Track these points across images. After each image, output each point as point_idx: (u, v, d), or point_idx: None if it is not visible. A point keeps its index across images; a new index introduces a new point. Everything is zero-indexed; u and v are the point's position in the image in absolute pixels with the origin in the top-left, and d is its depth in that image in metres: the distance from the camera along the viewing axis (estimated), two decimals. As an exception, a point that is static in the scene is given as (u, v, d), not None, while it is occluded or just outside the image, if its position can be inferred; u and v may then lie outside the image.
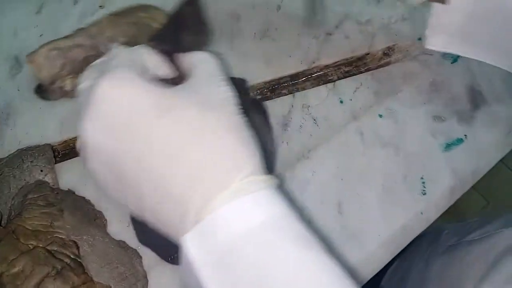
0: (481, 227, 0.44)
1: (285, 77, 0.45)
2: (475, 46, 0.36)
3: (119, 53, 0.26)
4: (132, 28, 0.41)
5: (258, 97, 0.44)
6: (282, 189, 0.25)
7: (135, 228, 0.35)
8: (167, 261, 0.34)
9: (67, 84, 0.41)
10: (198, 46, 0.28)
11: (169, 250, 0.34)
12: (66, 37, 0.41)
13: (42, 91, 0.42)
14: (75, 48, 0.40)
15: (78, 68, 0.41)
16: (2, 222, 0.35)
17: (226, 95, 0.25)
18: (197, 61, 0.27)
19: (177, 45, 0.28)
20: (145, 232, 0.34)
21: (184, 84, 0.25)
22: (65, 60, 0.39)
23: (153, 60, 0.27)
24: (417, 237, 0.39)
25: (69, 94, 0.42)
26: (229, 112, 0.24)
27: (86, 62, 0.41)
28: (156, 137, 0.22)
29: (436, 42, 0.37)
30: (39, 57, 0.39)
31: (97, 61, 0.28)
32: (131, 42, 0.41)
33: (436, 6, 0.34)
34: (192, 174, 0.22)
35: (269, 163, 0.37)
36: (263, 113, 0.40)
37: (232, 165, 0.22)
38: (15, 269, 0.29)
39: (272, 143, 0.39)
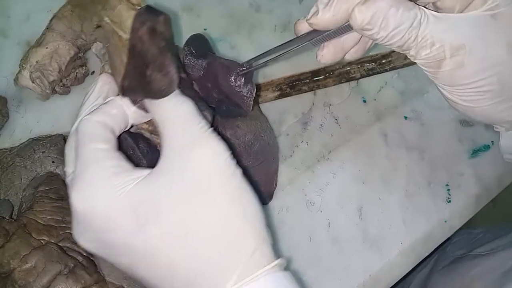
0: (488, 241, 0.43)
1: (306, 73, 0.43)
2: None
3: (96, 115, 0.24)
4: (99, 32, 0.38)
5: (277, 93, 0.43)
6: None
7: None
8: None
9: (68, 81, 0.39)
10: (168, 87, 0.24)
11: None
12: (38, 45, 0.38)
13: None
14: (53, 57, 0.37)
15: (68, 71, 0.39)
16: (13, 214, 0.34)
17: (209, 155, 0.22)
18: (167, 116, 0.23)
19: (146, 90, 0.25)
20: None
21: (159, 167, 0.23)
22: (51, 79, 0.37)
23: (131, 111, 0.25)
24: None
25: (72, 85, 0.40)
26: (220, 185, 0.22)
27: (72, 63, 0.39)
28: (140, 249, 0.22)
29: None
30: (26, 81, 0.37)
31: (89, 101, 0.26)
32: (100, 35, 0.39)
33: None
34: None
35: (269, 155, 0.35)
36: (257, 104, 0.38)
37: (227, 270, 0.21)
38: (27, 265, 0.28)
39: (272, 134, 0.37)
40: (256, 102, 0.38)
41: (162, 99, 0.24)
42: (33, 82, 0.37)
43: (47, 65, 0.37)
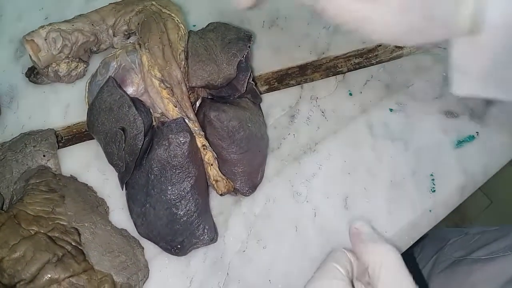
0: (487, 243, 0.43)
1: (294, 67, 0.44)
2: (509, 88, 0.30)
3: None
4: (137, 16, 0.40)
5: (265, 87, 0.43)
6: None
7: (135, 222, 0.34)
8: (170, 253, 0.33)
9: (62, 68, 0.40)
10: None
11: (171, 242, 0.33)
12: (66, 21, 0.39)
13: (34, 74, 0.41)
14: (75, 32, 0.39)
15: (75, 53, 0.40)
16: (4, 206, 0.35)
17: None
18: (379, 263, 0.26)
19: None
20: (145, 225, 0.33)
21: None
22: (64, 43, 0.38)
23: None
24: (422, 240, 0.37)
25: (62, 79, 0.41)
26: None
27: (84, 48, 0.40)
28: None
29: (465, 89, 0.30)
30: (38, 38, 0.38)
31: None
32: (135, 31, 0.40)
33: (460, 48, 0.27)
34: None
35: (255, 147, 0.36)
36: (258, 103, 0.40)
37: None
38: (16, 254, 0.29)
39: (262, 128, 0.38)
40: (256, 96, 0.39)
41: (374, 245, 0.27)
42: (45, 40, 0.38)
43: (68, 34, 0.38)
